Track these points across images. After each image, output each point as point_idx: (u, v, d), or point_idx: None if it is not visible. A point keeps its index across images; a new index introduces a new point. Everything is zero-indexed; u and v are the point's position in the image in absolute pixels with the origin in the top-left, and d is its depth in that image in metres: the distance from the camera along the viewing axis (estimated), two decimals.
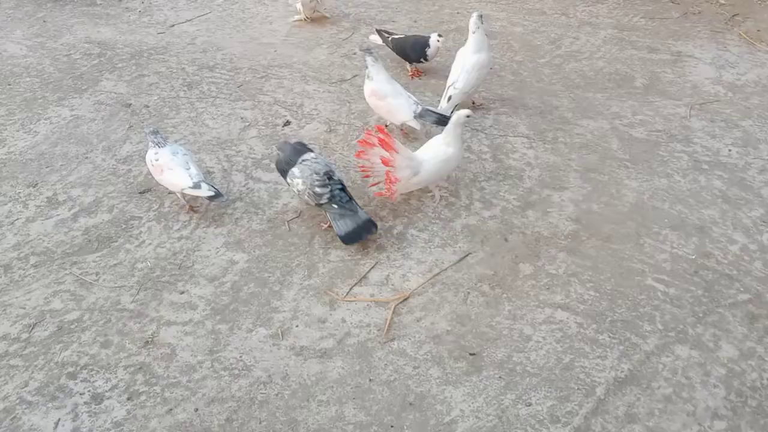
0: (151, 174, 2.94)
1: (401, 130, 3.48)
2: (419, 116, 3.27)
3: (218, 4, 5.00)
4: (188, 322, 2.42)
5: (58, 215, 2.90)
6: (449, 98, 3.49)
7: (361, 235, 2.72)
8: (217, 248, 2.76)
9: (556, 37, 4.53)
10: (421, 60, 3.94)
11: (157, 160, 2.83)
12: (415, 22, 4.76)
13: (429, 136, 3.20)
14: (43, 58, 4.20)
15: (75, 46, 4.35)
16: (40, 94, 3.81)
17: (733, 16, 4.82)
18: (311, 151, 2.88)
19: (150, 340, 2.34)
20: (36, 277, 2.59)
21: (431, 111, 3.30)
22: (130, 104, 3.71)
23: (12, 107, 3.69)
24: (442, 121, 3.19)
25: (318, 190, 2.72)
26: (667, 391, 2.18)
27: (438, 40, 3.85)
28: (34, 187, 3.07)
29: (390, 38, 4.08)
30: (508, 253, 2.75)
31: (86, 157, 3.26)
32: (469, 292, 2.57)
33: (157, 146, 2.84)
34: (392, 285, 2.60)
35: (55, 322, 2.40)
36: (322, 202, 2.73)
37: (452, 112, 3.11)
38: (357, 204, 2.77)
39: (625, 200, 3.03)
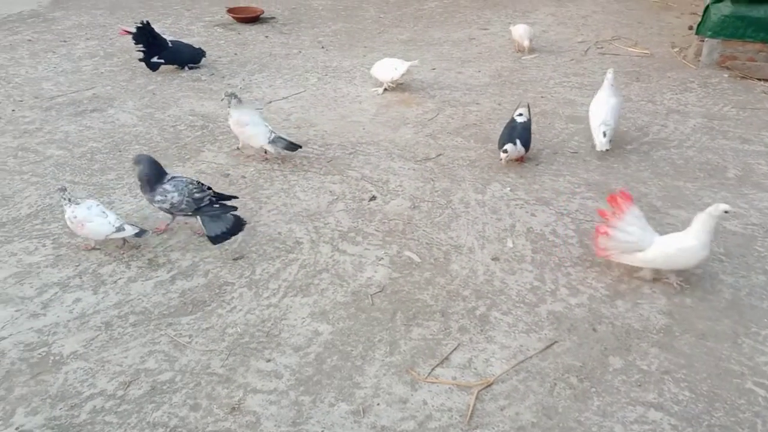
0: (73, 232, 3.22)
1: (261, 154, 4.05)
2: (272, 142, 3.92)
3: (312, 84, 5.31)
4: (273, 391, 2.46)
5: (157, 277, 3.07)
6: (604, 134, 3.99)
7: (232, 234, 3.20)
8: (303, 318, 2.82)
9: (643, 124, 4.52)
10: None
11: (75, 217, 3.14)
12: (499, 104, 4.88)
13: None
14: (151, 128, 4.56)
15: (180, 118, 4.70)
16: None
17: None
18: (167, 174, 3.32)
19: (236, 406, 2.39)
20: (134, 336, 2.72)
21: (282, 138, 3.95)
22: (229, 174, 3.94)
23: (121, 172, 3.99)
24: (292, 147, 3.96)
25: (197, 195, 3.20)
26: None
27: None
28: (137, 249, 3.27)
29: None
30: (596, 344, 2.67)
31: (186, 223, 3.45)
32: (555, 383, 2.49)
33: (71, 203, 3.17)
34: (475, 369, 2.57)
35: (149, 381, 2.50)
36: (202, 205, 3.20)
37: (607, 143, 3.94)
38: (227, 206, 3.25)
39: (721, 296, 2.91)
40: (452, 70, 5.56)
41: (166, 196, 3.20)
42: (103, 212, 3.16)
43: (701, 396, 2.42)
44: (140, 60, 5.43)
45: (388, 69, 5.00)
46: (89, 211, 3.15)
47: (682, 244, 2.88)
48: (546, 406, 2.40)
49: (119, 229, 3.11)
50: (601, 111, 4.08)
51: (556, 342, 2.69)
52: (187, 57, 5.55)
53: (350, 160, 4.12)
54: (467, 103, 4.91)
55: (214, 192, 3.29)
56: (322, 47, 6.16)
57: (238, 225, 3.24)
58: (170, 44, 5.43)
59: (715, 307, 2.85)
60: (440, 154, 4.18)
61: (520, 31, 5.81)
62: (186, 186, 3.22)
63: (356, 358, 2.62)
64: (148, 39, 5.34)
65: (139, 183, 3.32)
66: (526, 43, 5.74)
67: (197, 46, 5.66)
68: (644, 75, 5.32)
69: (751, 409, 2.36)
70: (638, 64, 5.56)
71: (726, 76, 5.23)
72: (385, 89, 5.10)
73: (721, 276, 3.03)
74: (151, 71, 5.46)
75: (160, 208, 3.28)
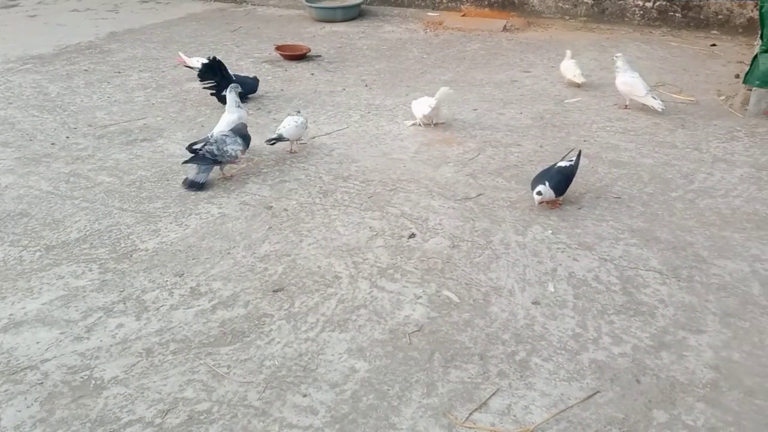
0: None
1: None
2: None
3: (355, 121, 5.40)
4: (308, 428, 2.45)
5: (198, 306, 3.11)
6: (653, 97, 5.25)
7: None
8: (340, 354, 2.82)
9: (689, 171, 4.45)
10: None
11: None
12: (541, 147, 4.88)
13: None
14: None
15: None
16: (193, 191, 4.21)
17: None
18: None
19: None
20: (174, 364, 2.75)
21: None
22: (272, 207, 4.01)
23: (168, 201, 4.10)
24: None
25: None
26: None
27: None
28: (180, 276, 3.33)
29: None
30: (640, 396, 2.59)
31: (228, 253, 3.51)
32: None
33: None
34: (514, 416, 2.51)
35: (187, 410, 2.52)
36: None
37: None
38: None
39: None
40: (494, 111, 5.59)
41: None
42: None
43: None
44: (212, 94, 5.60)
45: (423, 105, 5.11)
46: None
47: None
48: None
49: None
50: (639, 82, 5.23)
51: (598, 392, 2.62)
52: (248, 88, 5.77)
53: (390, 196, 4.15)
54: (508, 144, 4.92)
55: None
56: (366, 85, 6.27)
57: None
58: (234, 77, 5.60)
59: (764, 363, 2.75)
60: (480, 194, 4.18)
61: (569, 66, 5.90)
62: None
63: (393, 397, 2.59)
64: (218, 73, 5.53)
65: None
66: (577, 74, 5.88)
67: (252, 76, 5.94)
68: (690, 122, 5.26)
69: None
70: (684, 111, 5.51)
71: None
72: (418, 124, 5.22)
73: None
74: (219, 103, 5.56)
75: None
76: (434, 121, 5.23)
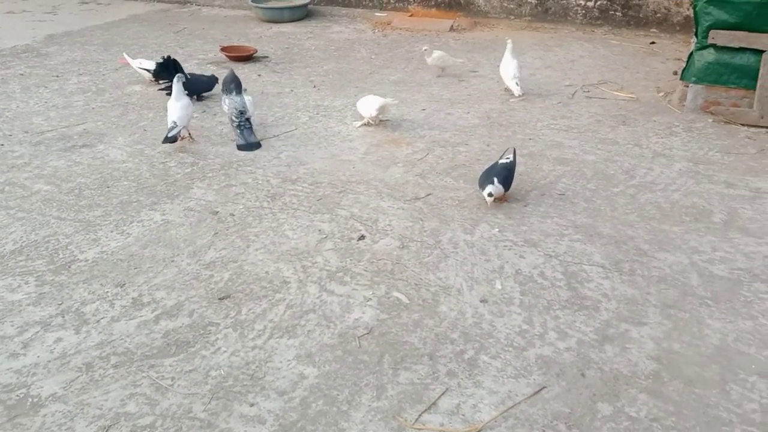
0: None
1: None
2: None
3: (303, 122, 5.35)
4: None
5: (141, 316, 3.02)
6: (517, 83, 5.81)
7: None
8: (289, 360, 2.78)
9: (630, 167, 4.57)
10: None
11: None
12: (488, 145, 4.93)
13: None
14: (141, 164, 4.56)
15: (170, 155, 4.70)
16: (135, 197, 4.10)
17: None
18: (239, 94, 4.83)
19: None
20: (115, 378, 2.66)
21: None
22: (217, 212, 3.93)
23: (108, 209, 3.97)
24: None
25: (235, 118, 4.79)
26: None
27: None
28: (121, 287, 3.23)
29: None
30: (585, 390, 2.65)
31: (172, 261, 3.43)
32: (544, 430, 2.46)
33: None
34: (463, 415, 2.53)
35: (129, 425, 2.44)
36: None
37: None
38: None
39: (708, 341, 2.90)
40: (442, 111, 5.63)
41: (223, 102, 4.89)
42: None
43: None
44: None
45: (369, 105, 5.14)
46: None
47: None
48: None
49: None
50: (510, 68, 5.81)
51: (544, 387, 2.66)
52: (203, 86, 5.72)
53: (340, 198, 4.12)
54: (456, 144, 4.96)
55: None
56: (314, 86, 6.23)
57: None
58: (190, 76, 5.44)
59: (702, 353, 2.84)
60: (429, 194, 4.20)
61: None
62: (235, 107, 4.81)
63: (342, 402, 2.57)
64: (173, 72, 5.37)
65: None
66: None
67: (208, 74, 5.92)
68: (630, 119, 5.42)
69: None
70: (624, 107, 5.67)
71: (710, 120, 5.33)
72: (366, 124, 5.23)
73: (708, 321, 3.03)
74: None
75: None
76: (381, 119, 5.25)
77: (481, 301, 3.18)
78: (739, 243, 3.65)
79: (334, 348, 2.86)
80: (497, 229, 3.80)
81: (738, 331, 2.96)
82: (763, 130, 5.15)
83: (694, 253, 3.56)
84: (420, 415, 2.51)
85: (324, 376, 2.70)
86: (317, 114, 5.54)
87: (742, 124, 5.24)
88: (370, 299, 3.17)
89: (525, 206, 4.07)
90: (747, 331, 2.96)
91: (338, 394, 2.61)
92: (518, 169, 4.15)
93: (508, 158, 4.14)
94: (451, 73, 6.56)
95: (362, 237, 3.71)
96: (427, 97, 5.92)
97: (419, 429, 2.46)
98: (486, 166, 4.20)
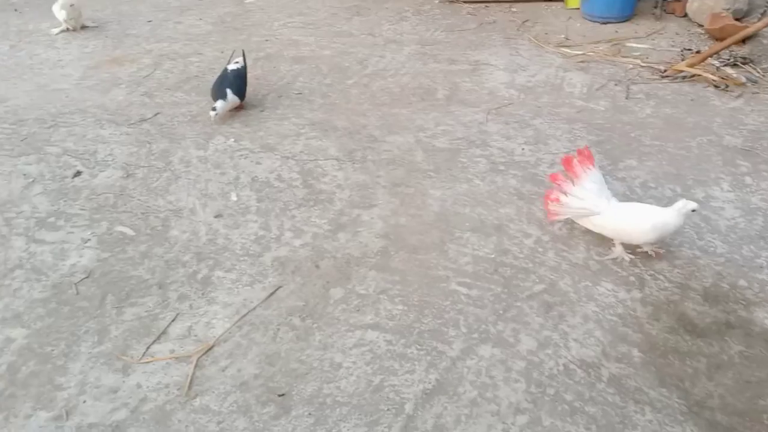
0: None
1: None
2: None
3: (3, 53, 4.56)
4: None
5: None
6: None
7: None
8: None
9: (364, 57, 4.61)
10: None
11: None
12: (222, 52, 4.64)
13: None
14: None
15: None
16: None
17: (523, 22, 5.20)
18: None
19: None
20: None
21: None
22: None
23: None
24: None
25: None
26: (472, 394, 2.21)
27: None
28: None
29: None
30: (318, 281, 2.69)
31: None
32: (278, 329, 2.46)
33: None
34: (195, 336, 2.43)
35: None
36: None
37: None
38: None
39: (430, 210, 3.09)
40: (170, 20, 5.15)
41: None
42: None
43: (412, 306, 2.56)
44: None
45: (57, 6, 4.74)
46: None
47: (635, 223, 2.65)
48: (269, 354, 2.36)
49: None
50: None
51: (280, 287, 2.65)
52: None
53: (50, 134, 3.62)
54: (188, 55, 4.60)
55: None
56: (15, 10, 5.31)
57: None
58: None
59: (425, 221, 3.03)
60: (158, 113, 3.86)
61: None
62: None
63: (57, 357, 2.33)
64: None
65: None
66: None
67: None
68: (364, 9, 5.43)
69: (454, 307, 2.55)
70: None
71: (437, 2, 5.54)
72: (65, 30, 4.84)
73: (430, 191, 3.22)
74: None
75: None
76: (81, 25, 4.73)
77: (215, 217, 3.05)
78: (459, 114, 3.89)
79: (47, 302, 2.56)
80: (233, 140, 3.63)
81: (456, 195, 3.19)
82: (482, 5, 5.48)
83: (420, 131, 3.72)
84: (148, 348, 2.37)
85: (35, 334, 2.41)
86: (20, 41, 4.76)
87: (465, 2, 5.52)
88: (89, 240, 2.88)
89: (262, 111, 3.93)
90: (463, 193, 3.20)
91: (53, 350, 2.36)
92: (255, 72, 3.97)
93: (237, 62, 3.91)
94: None
95: (78, 173, 3.31)
96: (152, 7, 5.37)
97: (147, 362, 2.32)
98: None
